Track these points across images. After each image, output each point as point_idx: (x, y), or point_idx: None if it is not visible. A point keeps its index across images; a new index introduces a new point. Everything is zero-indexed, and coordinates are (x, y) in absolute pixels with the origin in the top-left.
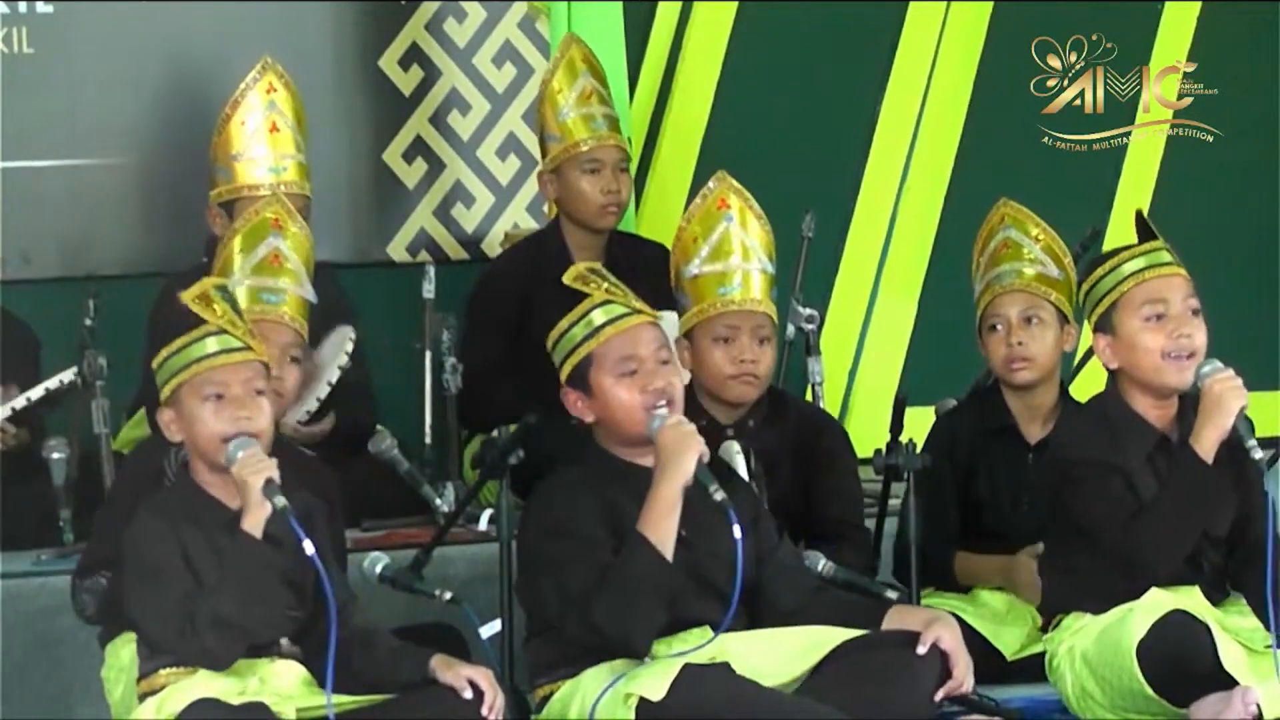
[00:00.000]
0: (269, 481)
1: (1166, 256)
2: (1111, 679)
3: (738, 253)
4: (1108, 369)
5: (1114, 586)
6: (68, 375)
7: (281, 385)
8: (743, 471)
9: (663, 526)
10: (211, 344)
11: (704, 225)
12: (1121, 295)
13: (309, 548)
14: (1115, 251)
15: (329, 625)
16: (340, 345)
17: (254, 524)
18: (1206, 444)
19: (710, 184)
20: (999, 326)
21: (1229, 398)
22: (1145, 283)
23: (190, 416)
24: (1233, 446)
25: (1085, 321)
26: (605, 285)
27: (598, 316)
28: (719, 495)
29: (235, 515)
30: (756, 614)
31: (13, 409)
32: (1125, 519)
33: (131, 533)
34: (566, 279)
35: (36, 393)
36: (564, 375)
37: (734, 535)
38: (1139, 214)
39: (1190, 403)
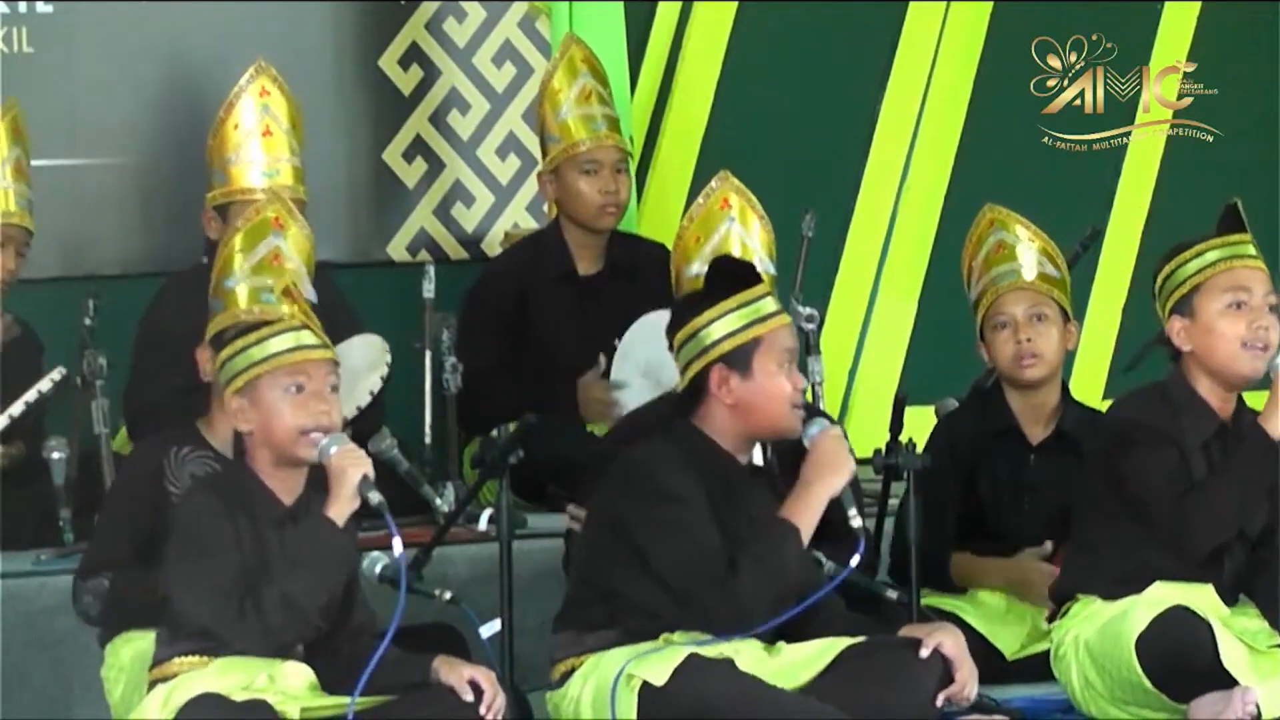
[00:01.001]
0: (365, 478)
1: (1252, 249)
2: (1112, 670)
3: (740, 253)
4: (1178, 352)
5: (1131, 567)
6: (46, 384)
7: None
8: (759, 461)
9: (808, 523)
10: (290, 339)
11: (706, 225)
12: (1205, 280)
13: (398, 546)
14: (1197, 239)
15: (349, 636)
16: (379, 358)
17: (340, 513)
18: (1278, 426)
19: (713, 183)
20: (1005, 325)
21: None
22: (1231, 270)
23: (268, 407)
24: None
25: (1159, 308)
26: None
27: (763, 306)
28: (856, 522)
29: (286, 511)
30: (790, 627)
31: (10, 417)
32: (1179, 492)
33: (186, 508)
34: (716, 263)
35: (17, 408)
36: (716, 354)
37: (850, 562)
38: (1231, 206)
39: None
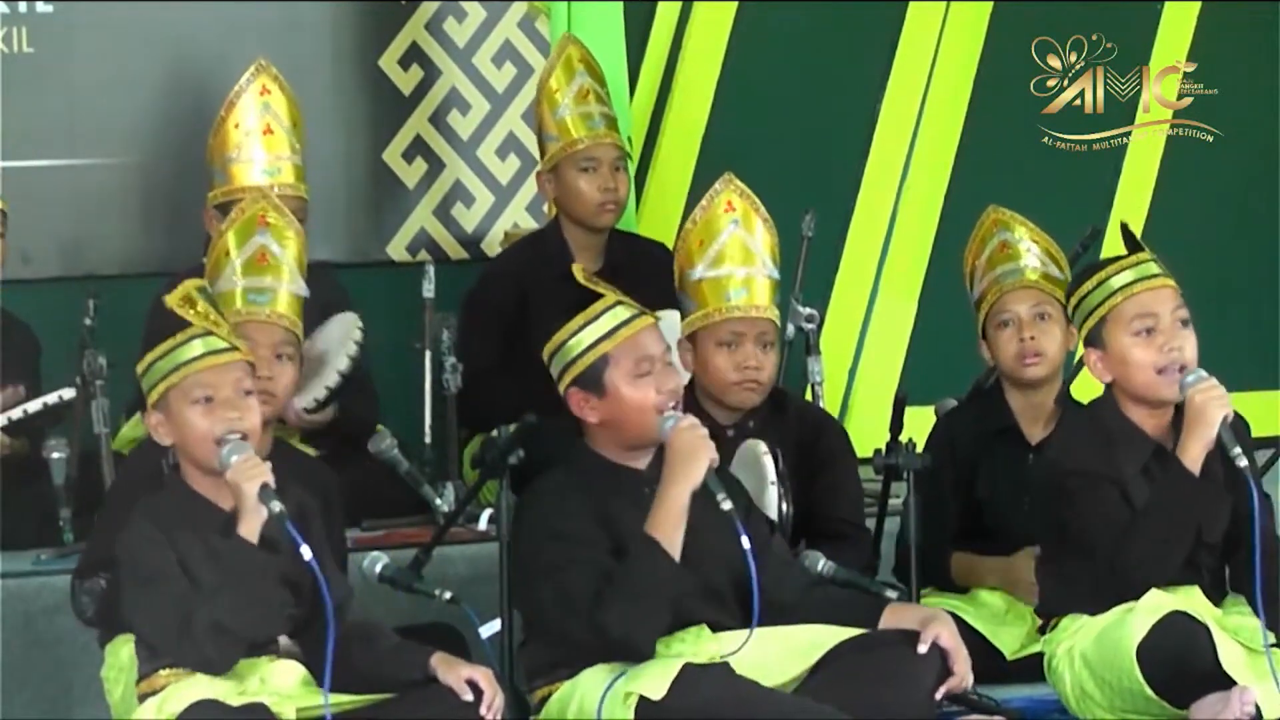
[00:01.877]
0: (264, 486)
1: (1154, 268)
2: (1111, 680)
3: (742, 257)
4: (1101, 382)
5: (1109, 591)
6: (68, 393)
7: (274, 384)
8: (770, 473)
9: (672, 530)
10: (197, 346)
11: (709, 228)
12: (1111, 309)
13: (306, 553)
14: (1102, 264)
15: (326, 625)
16: (348, 333)
17: (250, 530)
18: (1192, 455)
19: (716, 186)
20: (1009, 323)
21: (1211, 408)
22: (1134, 296)
23: (180, 420)
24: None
25: (1078, 337)
26: (609, 288)
27: (609, 319)
28: (726, 505)
29: (228, 517)
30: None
31: (9, 419)
32: (1118, 532)
33: (125, 539)
34: (577, 274)
35: (34, 406)
36: (570, 377)
37: (742, 545)
38: (1124, 226)
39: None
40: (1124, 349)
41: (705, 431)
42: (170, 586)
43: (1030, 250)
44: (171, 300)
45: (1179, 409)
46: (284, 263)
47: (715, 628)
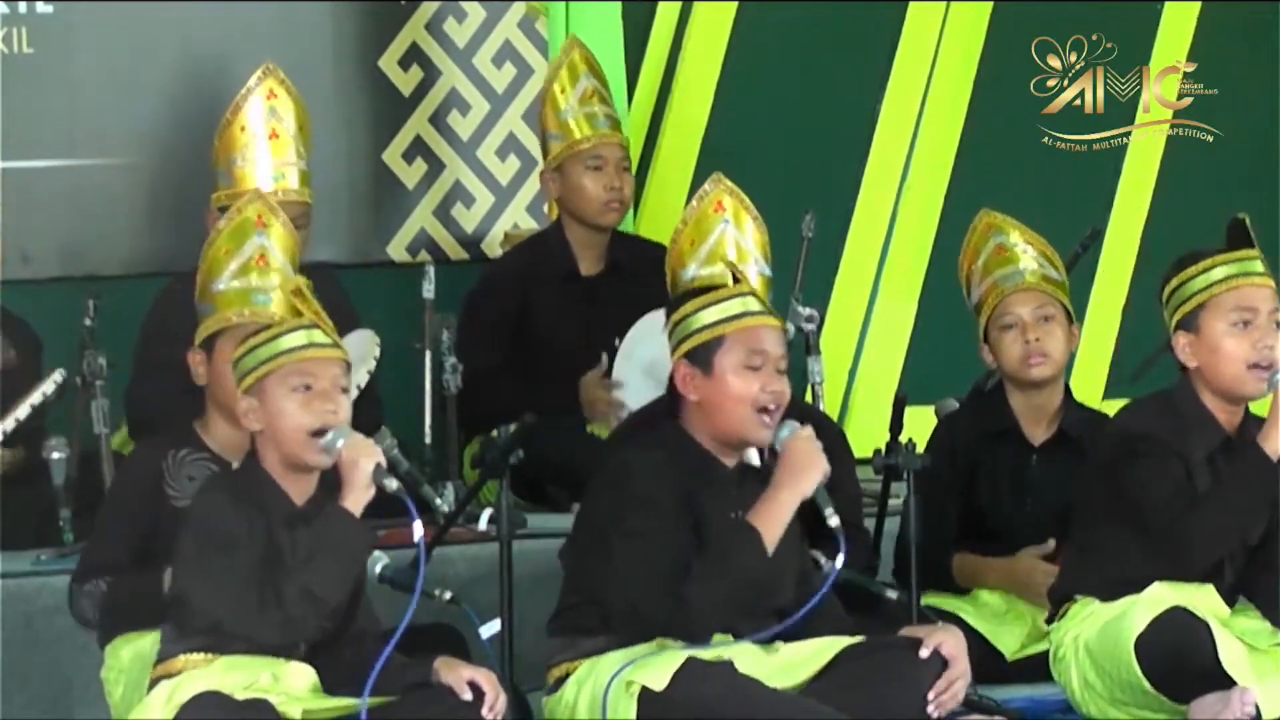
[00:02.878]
0: (379, 466)
1: (1260, 266)
2: (1111, 671)
3: (734, 256)
4: (1183, 367)
5: (1131, 571)
6: (49, 386)
7: None
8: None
9: (774, 528)
10: (300, 337)
11: (700, 228)
12: (1211, 298)
13: (418, 530)
14: (1205, 253)
15: (351, 639)
16: (369, 350)
17: (357, 504)
18: (1274, 443)
19: (706, 186)
20: (1013, 325)
21: None
22: (1237, 289)
23: (276, 407)
24: None
25: (1168, 319)
26: (744, 278)
27: (738, 304)
28: (834, 521)
29: (299, 511)
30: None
31: (3, 433)
32: (1180, 505)
33: (200, 504)
34: (717, 260)
35: (23, 411)
36: (683, 349)
37: (834, 561)
38: (1238, 220)
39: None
40: (1218, 337)
41: (820, 445)
42: (241, 555)
43: (1027, 252)
44: (285, 288)
45: (1248, 409)
46: (281, 264)
47: (738, 636)
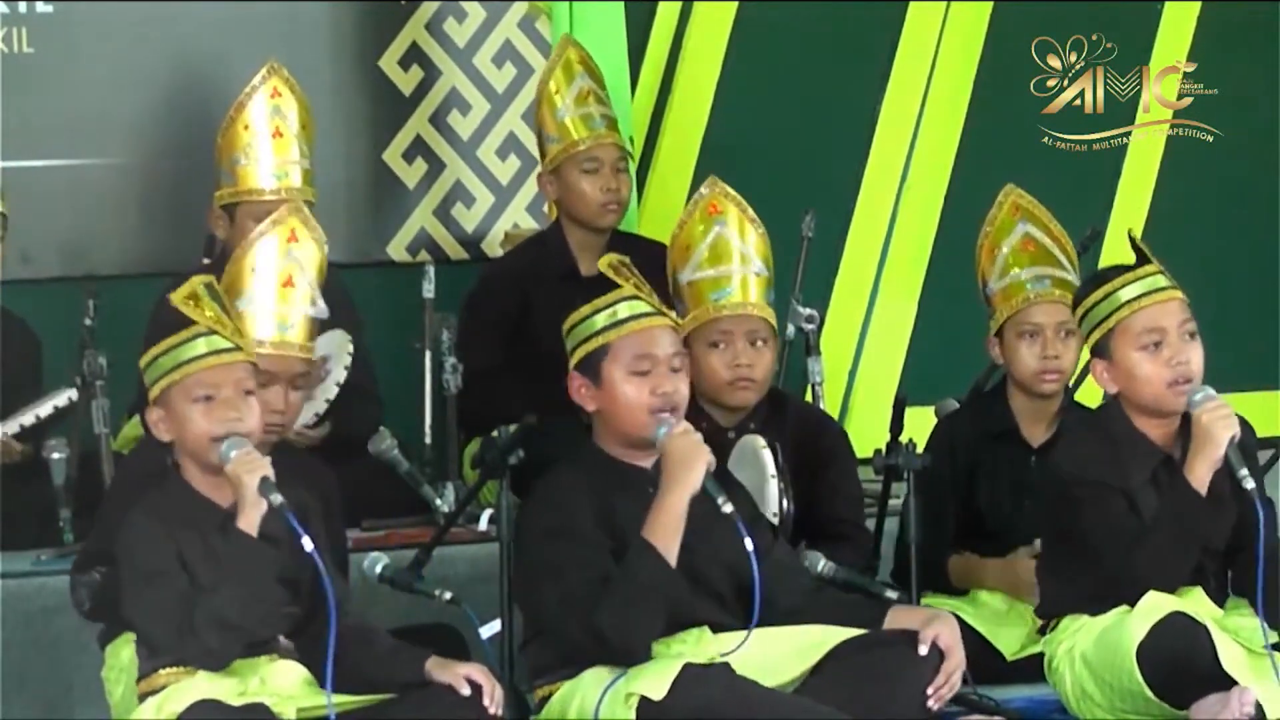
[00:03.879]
0: (264, 479)
1: (1162, 280)
2: (1111, 681)
3: (732, 257)
4: (1107, 392)
5: (1110, 594)
6: (62, 400)
7: (286, 416)
8: (770, 467)
9: (669, 535)
10: (201, 345)
11: (697, 231)
12: (1119, 323)
13: (308, 544)
14: (1108, 275)
15: (327, 621)
16: (341, 349)
17: (249, 522)
18: (1199, 474)
19: (702, 189)
20: (1034, 335)
21: (1217, 428)
22: (1142, 310)
23: (181, 417)
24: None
25: (1083, 342)
26: (634, 280)
27: (622, 309)
28: (728, 508)
29: (228, 515)
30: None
31: (21, 425)
32: (1125, 542)
33: (125, 536)
34: (600, 265)
35: (45, 410)
36: (574, 360)
37: (745, 546)
38: (1131, 237)
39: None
40: (1131, 363)
41: (699, 437)
42: (171, 583)
43: (1052, 252)
44: (176, 297)
45: (1185, 417)
46: (308, 284)
47: (716, 629)
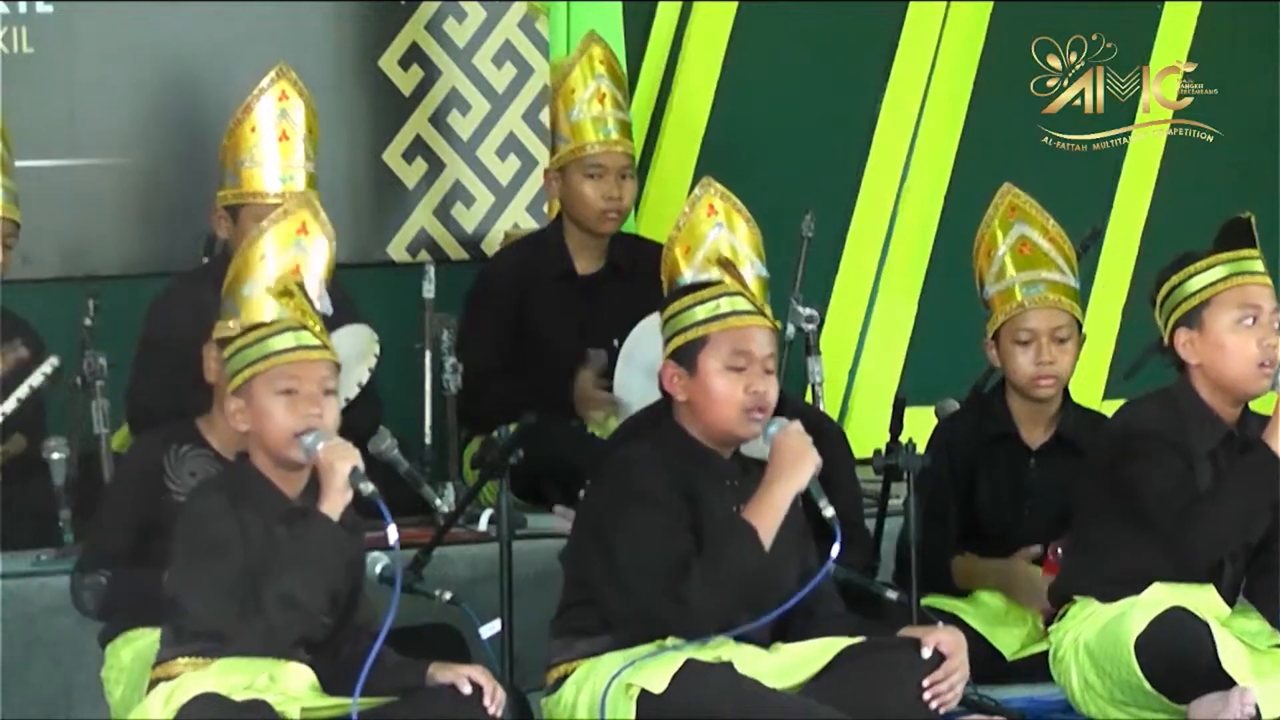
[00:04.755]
0: (355, 469)
1: (1260, 265)
2: (1111, 672)
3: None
4: (1184, 363)
5: (1131, 570)
6: (47, 367)
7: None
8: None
9: (770, 524)
10: (289, 338)
11: (693, 234)
12: (1216, 294)
13: (393, 533)
14: (1203, 252)
15: (350, 637)
16: (368, 348)
17: (334, 508)
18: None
19: (696, 191)
20: (1028, 341)
21: None
22: (1242, 287)
23: (261, 409)
24: None
25: (1159, 316)
26: (739, 279)
27: (724, 304)
28: (829, 512)
29: (293, 507)
30: (788, 628)
31: (18, 400)
32: (1184, 503)
33: (191, 509)
34: (713, 263)
35: (22, 391)
36: (670, 348)
37: (830, 552)
38: (1244, 220)
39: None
40: (1222, 334)
41: (810, 438)
42: (232, 559)
43: (1049, 254)
44: (272, 291)
45: (1247, 405)
46: (316, 277)
47: (743, 636)
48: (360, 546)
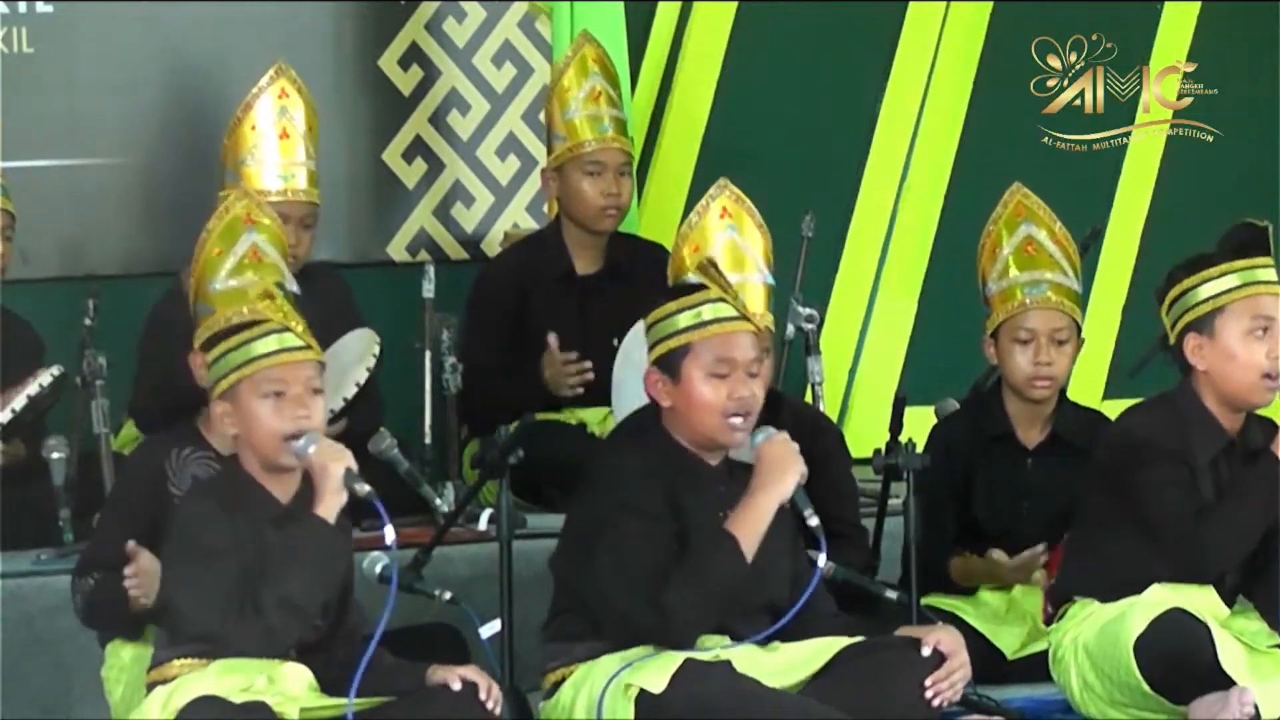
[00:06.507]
0: (349, 470)
1: (1274, 274)
2: (1110, 673)
3: (737, 263)
4: (1190, 369)
5: (1131, 572)
6: (46, 378)
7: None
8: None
9: (752, 535)
10: (273, 341)
11: (704, 235)
12: (1229, 303)
13: (390, 534)
14: (1216, 257)
15: (344, 643)
16: (367, 349)
17: (329, 510)
18: None
19: (711, 191)
20: (1027, 341)
21: None
22: (1260, 297)
23: (248, 413)
24: None
25: (1167, 318)
26: (721, 282)
27: (707, 311)
28: (814, 521)
29: (285, 510)
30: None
31: (13, 410)
32: (1190, 513)
33: (183, 514)
34: (694, 272)
35: (19, 402)
36: (654, 355)
37: (816, 561)
38: (1260, 228)
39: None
40: (1233, 343)
41: (796, 447)
42: (227, 564)
43: (1053, 256)
44: (254, 294)
45: (1249, 413)
46: (274, 260)
47: (736, 638)
48: (350, 548)
